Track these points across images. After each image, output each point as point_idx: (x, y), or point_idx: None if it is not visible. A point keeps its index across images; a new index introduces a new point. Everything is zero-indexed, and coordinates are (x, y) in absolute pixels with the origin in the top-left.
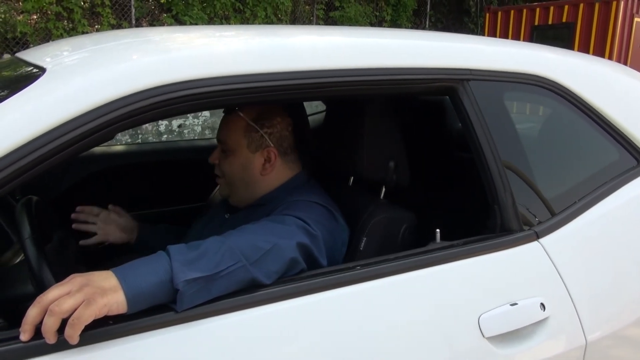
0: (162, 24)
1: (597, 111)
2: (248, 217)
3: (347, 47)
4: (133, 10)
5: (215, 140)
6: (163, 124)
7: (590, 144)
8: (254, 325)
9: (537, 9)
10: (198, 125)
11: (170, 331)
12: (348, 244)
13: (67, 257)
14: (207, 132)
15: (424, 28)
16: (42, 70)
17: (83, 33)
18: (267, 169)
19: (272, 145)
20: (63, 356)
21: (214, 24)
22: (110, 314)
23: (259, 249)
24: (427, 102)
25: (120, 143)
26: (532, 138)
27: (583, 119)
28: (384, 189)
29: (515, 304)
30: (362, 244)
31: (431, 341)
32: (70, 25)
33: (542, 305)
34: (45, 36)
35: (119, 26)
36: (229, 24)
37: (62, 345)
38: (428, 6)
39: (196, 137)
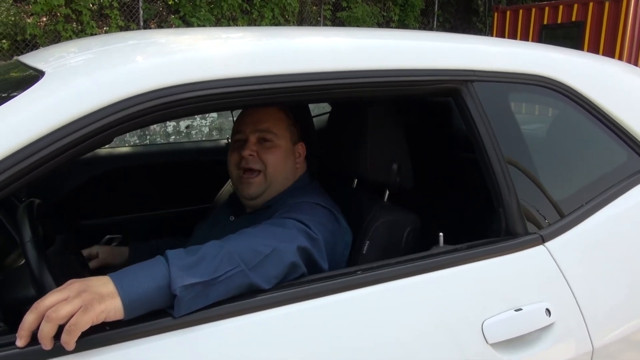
0: (169, 26)
1: (604, 112)
2: (255, 219)
3: (351, 49)
4: (141, 12)
5: (221, 142)
6: (171, 125)
7: (597, 145)
8: (252, 331)
9: (546, 8)
10: (206, 126)
11: (167, 337)
12: (351, 247)
13: (69, 260)
14: (214, 133)
15: (431, 28)
16: (42, 73)
17: (92, 35)
18: (298, 163)
19: (302, 140)
20: None
21: (221, 25)
22: (108, 320)
23: (259, 254)
24: (431, 103)
25: (124, 144)
26: (539, 139)
27: (590, 120)
28: (387, 192)
29: (520, 309)
30: (365, 247)
31: (433, 347)
32: (79, 27)
33: (548, 310)
34: (55, 38)
35: (127, 28)
36: (237, 25)
37: (58, 351)
38: (436, 6)
39: (203, 139)
